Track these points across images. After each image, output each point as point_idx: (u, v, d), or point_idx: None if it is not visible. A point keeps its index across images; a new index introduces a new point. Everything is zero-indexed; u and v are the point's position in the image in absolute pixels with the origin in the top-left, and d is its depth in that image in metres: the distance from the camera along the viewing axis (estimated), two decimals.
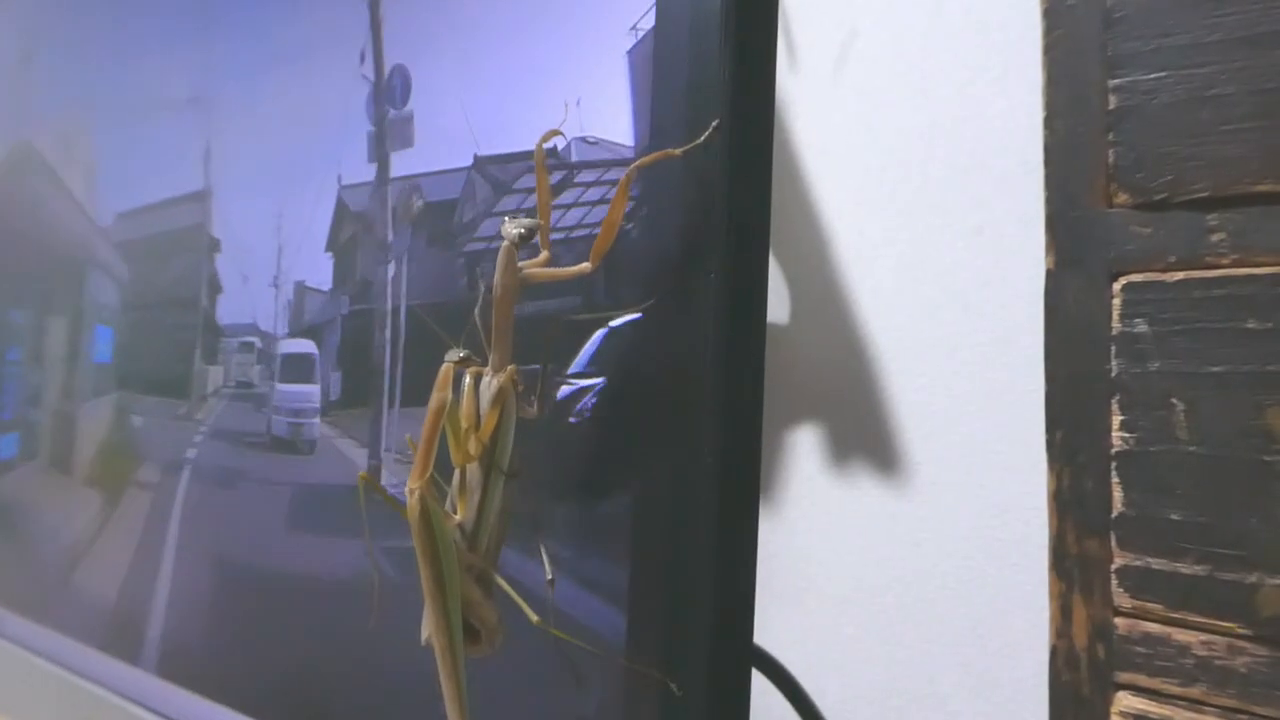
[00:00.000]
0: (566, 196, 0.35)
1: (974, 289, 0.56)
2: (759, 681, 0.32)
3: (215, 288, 0.71)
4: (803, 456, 0.62)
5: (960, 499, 0.55)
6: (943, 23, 0.57)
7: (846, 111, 0.61)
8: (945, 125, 0.56)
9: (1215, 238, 0.26)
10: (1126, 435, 0.27)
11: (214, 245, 0.72)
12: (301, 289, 0.61)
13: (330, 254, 0.58)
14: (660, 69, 0.31)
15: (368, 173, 0.56)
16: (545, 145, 0.31)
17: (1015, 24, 0.54)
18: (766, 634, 0.35)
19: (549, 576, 0.30)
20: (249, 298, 0.67)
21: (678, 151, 0.30)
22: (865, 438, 0.59)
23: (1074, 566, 0.27)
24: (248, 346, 0.66)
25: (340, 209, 0.58)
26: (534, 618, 0.29)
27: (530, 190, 0.37)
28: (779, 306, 0.62)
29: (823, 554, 0.61)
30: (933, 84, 0.57)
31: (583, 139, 0.35)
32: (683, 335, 0.30)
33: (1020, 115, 0.54)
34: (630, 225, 0.31)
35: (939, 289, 0.57)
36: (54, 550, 0.80)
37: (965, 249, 0.56)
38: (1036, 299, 0.54)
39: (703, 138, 0.29)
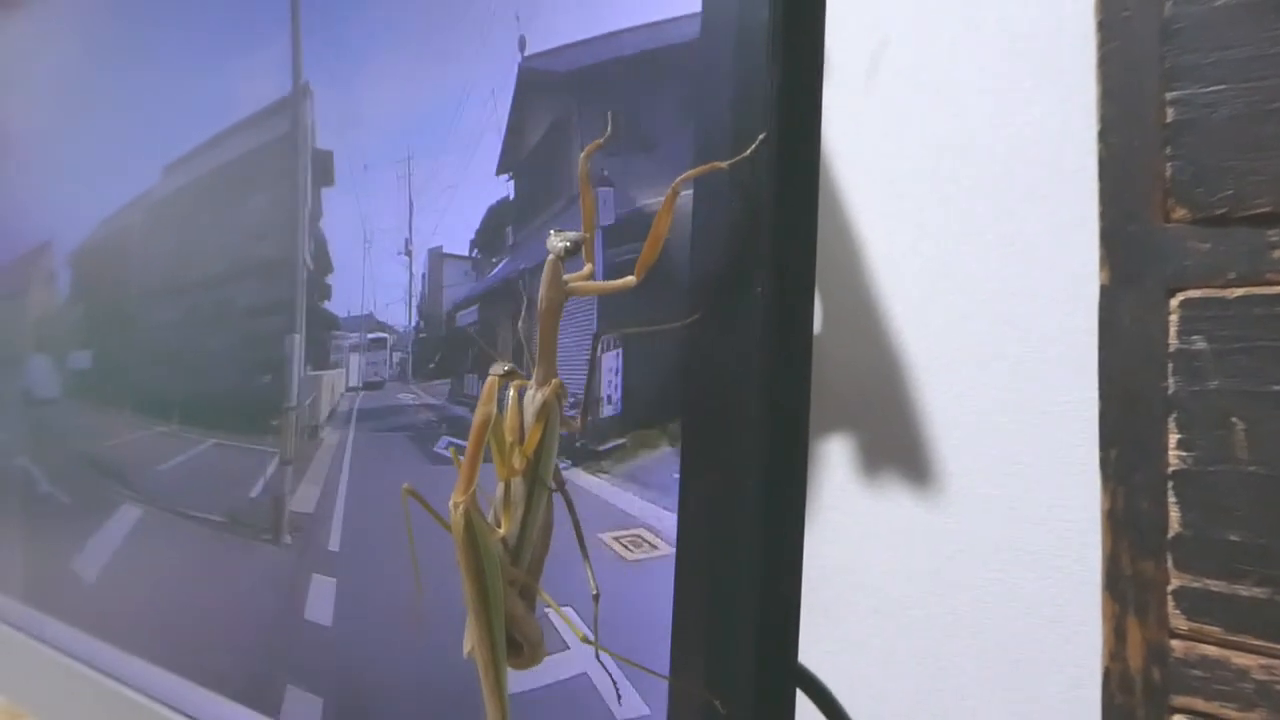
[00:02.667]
0: None
1: (1005, 299, 0.55)
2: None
3: (324, 263, 0.47)
4: (834, 467, 0.61)
5: (993, 511, 0.55)
6: (974, 33, 0.56)
7: (877, 121, 0.60)
8: (976, 135, 0.56)
9: (1277, 254, 0.26)
10: (1184, 454, 0.27)
11: (323, 166, 0.46)
12: (439, 256, 0.44)
13: (508, 175, 0.40)
14: (706, 81, 0.31)
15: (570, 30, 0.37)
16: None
17: (1047, 34, 0.53)
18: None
19: (594, 591, 0.30)
20: (369, 274, 0.45)
21: (724, 164, 0.29)
22: (897, 449, 0.59)
23: (1128, 587, 0.27)
24: (379, 343, 0.45)
25: (529, 86, 0.39)
26: (579, 633, 0.29)
27: None
28: None
29: (854, 565, 0.60)
30: (964, 94, 0.57)
31: None
32: (728, 351, 0.30)
33: (1053, 124, 0.53)
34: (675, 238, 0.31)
35: (970, 299, 0.56)
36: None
37: (997, 259, 0.55)
38: (1070, 310, 0.54)
39: (749, 151, 0.29)
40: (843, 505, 0.61)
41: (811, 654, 0.44)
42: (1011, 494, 0.55)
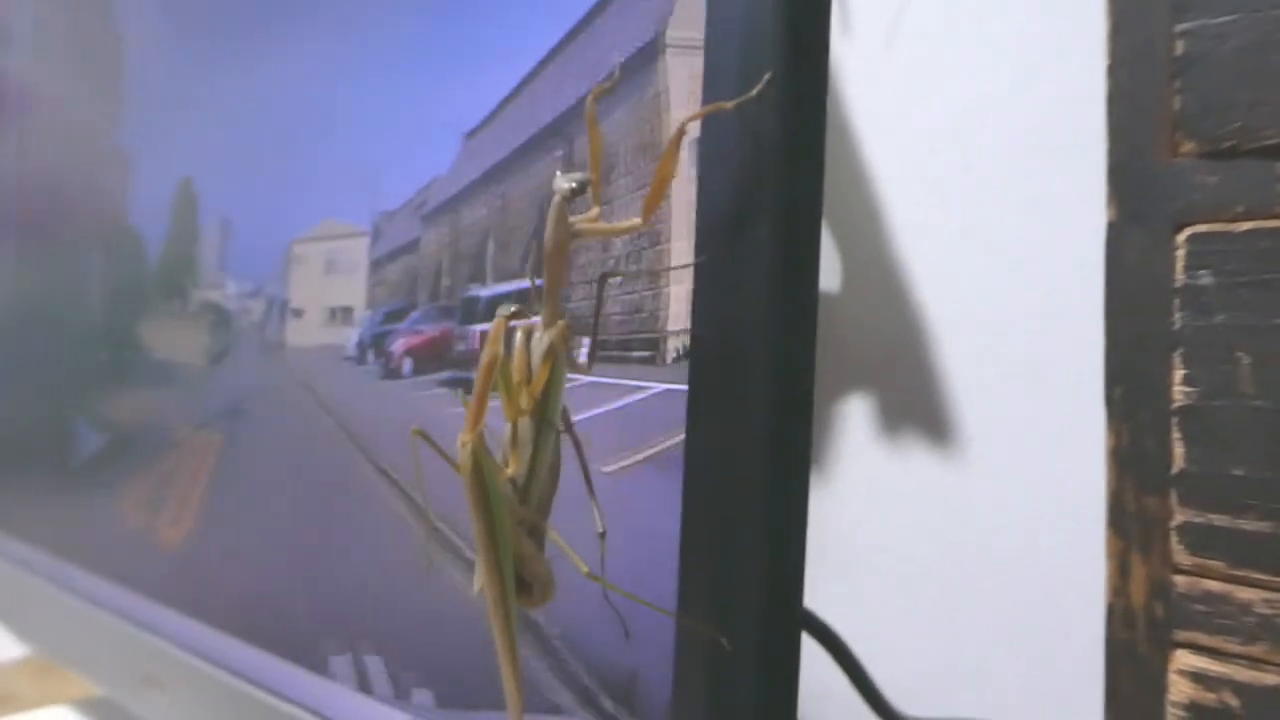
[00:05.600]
0: None
1: (1027, 260, 0.55)
2: (806, 655, 0.32)
3: None
4: (853, 428, 0.61)
5: (1012, 473, 0.55)
6: None
7: (899, 79, 0.60)
8: (1000, 94, 0.55)
9: None
10: (1189, 390, 0.26)
11: None
12: None
13: None
14: (712, 18, 0.31)
15: None
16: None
17: None
18: (814, 604, 0.35)
19: (601, 529, 0.30)
20: None
21: (729, 104, 0.29)
22: (916, 409, 0.59)
23: (1133, 524, 0.27)
24: None
25: None
26: (585, 569, 0.29)
27: None
28: (828, 276, 0.61)
29: (872, 527, 0.60)
30: (988, 53, 0.56)
31: None
32: (734, 291, 0.30)
33: (1077, 83, 0.52)
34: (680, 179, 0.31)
35: (991, 260, 0.56)
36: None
37: (1019, 219, 0.55)
38: (1092, 271, 0.53)
39: (755, 90, 0.29)
40: (860, 465, 0.61)
41: (828, 612, 0.44)
42: (1030, 455, 0.54)
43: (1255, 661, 0.26)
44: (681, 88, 0.34)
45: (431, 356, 0.39)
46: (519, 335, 0.30)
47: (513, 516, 0.30)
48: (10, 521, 0.77)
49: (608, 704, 0.33)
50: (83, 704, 0.73)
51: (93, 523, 0.67)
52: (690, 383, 0.31)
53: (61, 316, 0.74)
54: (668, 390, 0.32)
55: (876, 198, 0.61)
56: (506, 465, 0.31)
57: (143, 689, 0.57)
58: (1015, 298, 0.55)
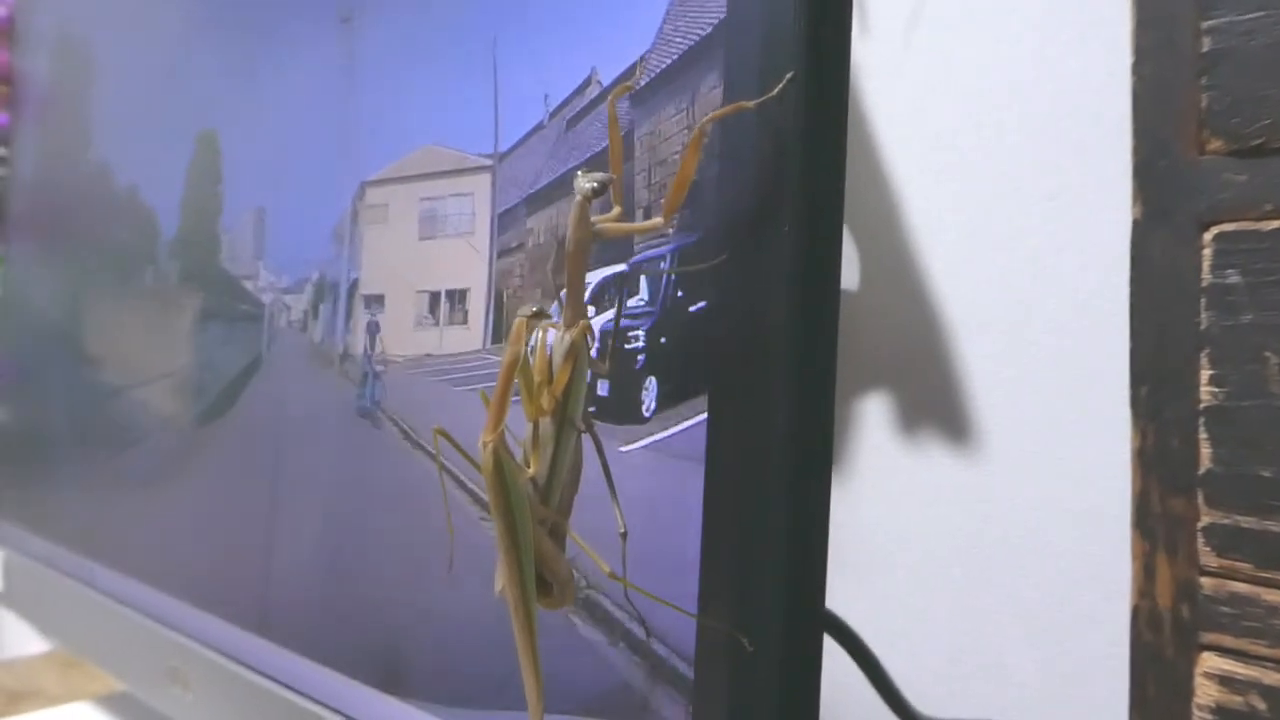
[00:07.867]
0: None
1: (1047, 255, 0.55)
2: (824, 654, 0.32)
3: None
4: (871, 425, 0.61)
5: (1031, 469, 0.55)
6: None
7: (917, 75, 0.60)
8: (1019, 88, 0.55)
9: None
10: (1216, 390, 0.26)
11: None
12: None
13: None
14: (734, 18, 0.31)
15: None
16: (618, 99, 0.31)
17: None
18: (834, 603, 0.35)
19: (622, 529, 0.30)
20: None
21: (751, 104, 0.29)
22: (934, 406, 0.58)
23: (1158, 525, 0.27)
24: None
25: None
26: (607, 569, 0.29)
27: None
28: (847, 273, 0.61)
29: (891, 524, 0.60)
30: (1006, 46, 0.56)
31: None
32: (755, 290, 0.30)
33: (1098, 76, 0.52)
34: (702, 179, 0.31)
35: (1011, 255, 0.56)
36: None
37: (1038, 215, 0.55)
38: (1111, 266, 0.53)
39: (776, 90, 0.29)
40: (880, 464, 0.61)
41: (849, 611, 0.44)
42: (1050, 452, 0.54)
43: None
44: None
45: None
46: (540, 335, 0.30)
47: (534, 517, 0.30)
48: (35, 518, 0.78)
49: None
50: (106, 700, 0.74)
51: (117, 520, 0.68)
52: (711, 381, 0.31)
53: (76, 316, 0.74)
54: None
55: (894, 195, 0.60)
56: (528, 465, 0.31)
57: (166, 685, 0.58)
58: (1034, 294, 0.55)
